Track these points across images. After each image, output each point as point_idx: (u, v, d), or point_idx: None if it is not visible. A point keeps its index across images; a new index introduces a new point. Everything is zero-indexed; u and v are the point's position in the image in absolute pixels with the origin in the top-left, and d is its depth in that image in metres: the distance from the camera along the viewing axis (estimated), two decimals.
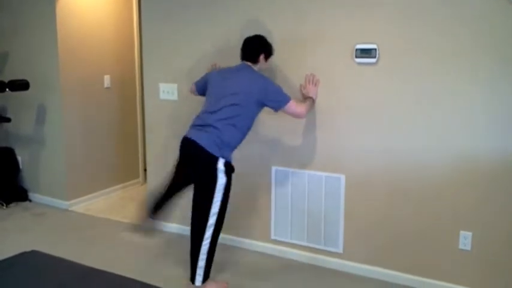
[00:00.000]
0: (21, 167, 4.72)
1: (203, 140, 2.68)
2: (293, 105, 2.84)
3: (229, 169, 2.75)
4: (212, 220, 2.72)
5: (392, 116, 2.92)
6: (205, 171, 2.71)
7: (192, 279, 2.79)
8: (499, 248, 2.74)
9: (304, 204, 3.28)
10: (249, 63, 2.90)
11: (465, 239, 2.80)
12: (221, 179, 2.69)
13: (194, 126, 2.81)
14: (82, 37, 4.41)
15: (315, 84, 3.11)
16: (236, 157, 3.30)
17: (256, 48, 2.90)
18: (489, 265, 2.77)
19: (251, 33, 2.98)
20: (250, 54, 2.89)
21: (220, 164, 2.69)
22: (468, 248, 2.81)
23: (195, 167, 2.76)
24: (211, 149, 2.68)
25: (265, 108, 3.32)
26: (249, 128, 2.86)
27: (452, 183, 2.80)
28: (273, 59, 3.19)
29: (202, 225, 2.72)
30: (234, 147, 2.82)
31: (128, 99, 4.99)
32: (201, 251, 2.74)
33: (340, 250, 3.20)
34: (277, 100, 2.82)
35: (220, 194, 2.71)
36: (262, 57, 2.91)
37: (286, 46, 3.18)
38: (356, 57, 2.93)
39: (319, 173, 3.17)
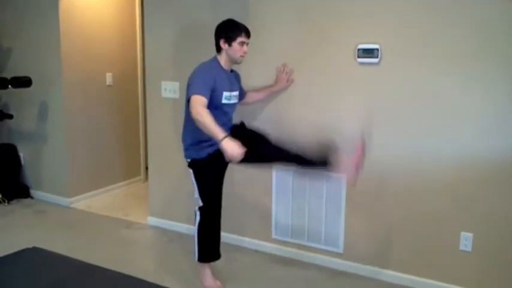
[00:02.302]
0: (23, 163, 4.73)
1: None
2: (192, 101, 2.58)
3: (195, 162, 2.82)
4: (198, 209, 2.85)
5: (393, 117, 2.92)
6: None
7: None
8: (500, 250, 2.74)
9: (305, 204, 3.28)
10: (216, 55, 2.81)
11: (466, 240, 2.80)
12: (191, 175, 2.85)
13: None
14: (84, 34, 4.41)
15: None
16: None
17: (214, 37, 2.80)
18: (490, 266, 2.77)
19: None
20: (215, 45, 2.82)
21: (188, 159, 2.87)
22: (469, 249, 2.80)
23: None
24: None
25: (266, 112, 3.32)
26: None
27: (453, 184, 2.80)
28: (274, 60, 3.20)
29: (195, 211, 2.89)
30: (191, 144, 2.81)
31: (130, 97, 5.00)
32: (195, 233, 2.88)
33: (340, 250, 3.20)
34: (189, 87, 2.66)
35: (196, 186, 2.84)
36: (222, 42, 2.74)
37: (288, 46, 3.18)
38: (358, 57, 2.93)
39: (320, 173, 3.17)
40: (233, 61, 2.80)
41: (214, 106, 2.70)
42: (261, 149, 2.86)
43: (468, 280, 2.83)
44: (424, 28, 2.76)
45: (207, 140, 2.69)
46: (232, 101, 2.82)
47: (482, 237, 2.77)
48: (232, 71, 2.89)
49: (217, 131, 2.48)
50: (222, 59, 2.79)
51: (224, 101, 2.75)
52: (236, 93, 2.87)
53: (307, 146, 2.86)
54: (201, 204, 2.84)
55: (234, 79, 2.89)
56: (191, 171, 2.84)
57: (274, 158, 2.90)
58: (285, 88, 3.20)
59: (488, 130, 2.67)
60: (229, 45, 2.73)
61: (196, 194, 2.85)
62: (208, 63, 2.79)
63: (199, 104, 2.55)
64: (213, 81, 2.67)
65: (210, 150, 2.77)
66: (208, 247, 2.90)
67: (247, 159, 2.60)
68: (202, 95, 2.59)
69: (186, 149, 2.86)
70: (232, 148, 2.45)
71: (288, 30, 3.17)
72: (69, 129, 4.40)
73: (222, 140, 2.45)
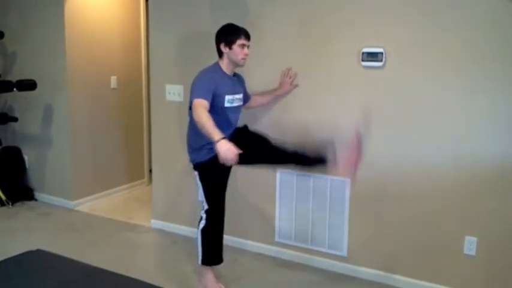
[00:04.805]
0: (27, 166, 4.74)
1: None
2: (194, 105, 2.61)
3: (200, 165, 2.83)
4: (205, 212, 2.86)
5: (398, 120, 2.91)
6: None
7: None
8: (504, 254, 2.72)
9: (308, 207, 3.27)
10: (217, 61, 2.83)
11: (470, 244, 2.79)
12: (196, 177, 2.87)
13: None
14: (89, 38, 4.43)
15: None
16: None
17: (215, 42, 2.81)
18: (494, 271, 2.76)
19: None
20: (216, 50, 2.83)
21: (193, 163, 2.89)
22: (473, 253, 2.79)
23: None
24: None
25: (270, 115, 3.33)
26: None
27: (457, 188, 2.79)
28: (278, 63, 3.20)
29: (201, 215, 2.90)
30: (195, 149, 2.83)
31: (134, 100, 5.01)
32: (199, 236, 2.88)
33: (344, 254, 3.19)
34: (191, 93, 2.69)
35: (201, 189, 2.85)
36: (222, 46, 2.75)
37: (292, 50, 3.18)
38: (362, 60, 2.93)
39: (324, 176, 3.17)
40: (235, 64, 2.80)
41: (217, 110, 2.72)
42: (261, 151, 2.88)
43: (473, 284, 2.81)
44: (428, 32, 2.75)
45: (208, 144, 2.71)
46: (235, 104, 2.82)
47: (486, 241, 2.75)
48: (235, 74, 2.90)
49: (214, 133, 2.47)
50: (224, 64, 2.79)
51: (227, 104, 2.76)
52: (239, 96, 2.87)
53: (306, 144, 2.89)
54: (206, 207, 2.85)
55: (237, 83, 2.90)
56: (196, 173, 2.85)
57: (274, 159, 2.93)
58: (289, 92, 3.21)
59: (491, 132, 2.67)
60: (230, 48, 2.74)
61: (201, 197, 2.86)
62: (209, 69, 2.80)
63: (201, 106, 2.59)
64: (214, 84, 2.69)
65: (211, 153, 2.77)
66: (212, 251, 2.90)
67: (247, 160, 2.62)
68: (204, 98, 2.62)
69: (190, 153, 2.88)
70: (226, 150, 2.42)
71: (291, 34, 3.17)
72: (74, 132, 4.41)
73: (217, 141, 2.44)
